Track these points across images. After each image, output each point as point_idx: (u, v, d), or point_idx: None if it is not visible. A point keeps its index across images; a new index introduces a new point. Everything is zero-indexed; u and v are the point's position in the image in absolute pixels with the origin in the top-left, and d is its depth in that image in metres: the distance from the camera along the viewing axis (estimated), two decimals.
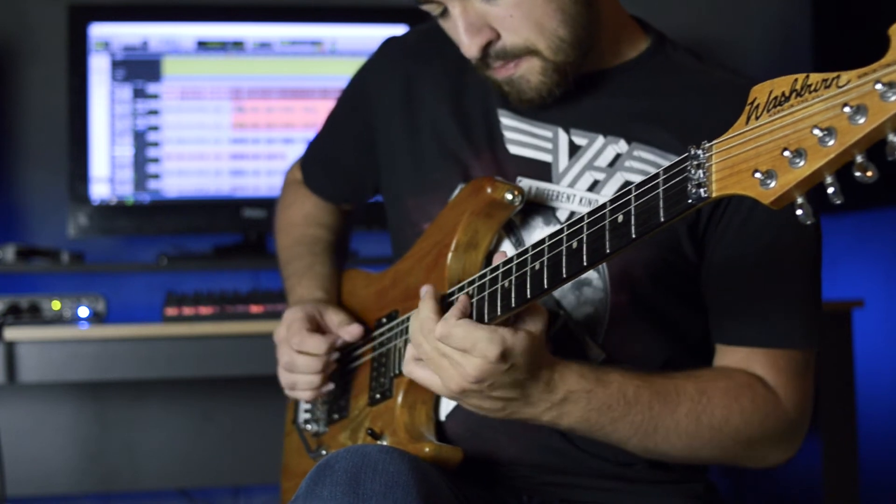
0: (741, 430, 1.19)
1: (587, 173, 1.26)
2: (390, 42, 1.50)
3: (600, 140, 1.27)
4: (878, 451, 2.59)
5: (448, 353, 1.06)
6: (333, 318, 1.39)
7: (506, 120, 1.32)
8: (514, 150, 1.31)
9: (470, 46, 1.19)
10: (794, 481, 2.39)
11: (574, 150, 1.28)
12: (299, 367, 1.35)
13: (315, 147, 1.63)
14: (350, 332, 1.37)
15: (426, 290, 1.13)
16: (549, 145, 1.29)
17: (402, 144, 1.41)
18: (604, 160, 1.25)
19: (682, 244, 1.23)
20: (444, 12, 1.22)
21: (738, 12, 2.93)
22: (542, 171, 1.28)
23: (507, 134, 1.32)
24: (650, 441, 1.17)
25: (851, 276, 2.75)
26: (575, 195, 1.25)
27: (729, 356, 1.25)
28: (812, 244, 1.26)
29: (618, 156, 1.25)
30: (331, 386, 1.38)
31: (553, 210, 1.26)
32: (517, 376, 1.07)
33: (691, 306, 1.27)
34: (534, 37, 1.18)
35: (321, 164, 1.61)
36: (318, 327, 1.38)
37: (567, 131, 1.29)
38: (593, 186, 1.25)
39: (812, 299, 1.26)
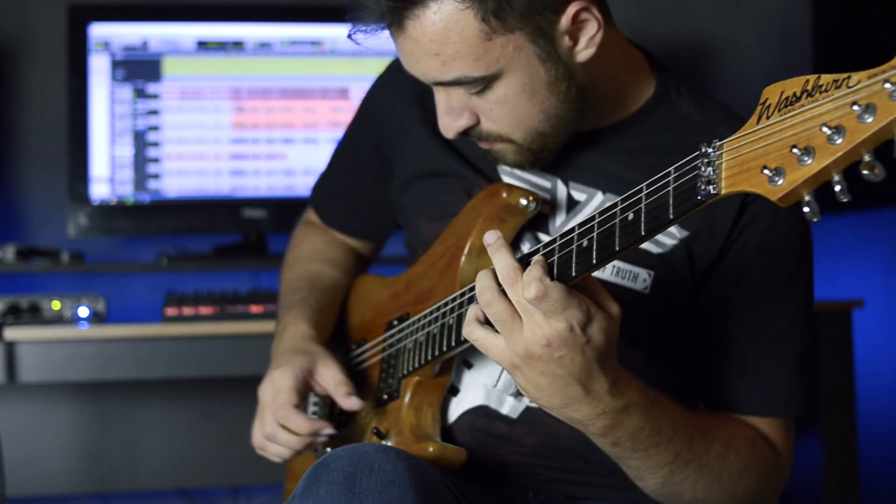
0: (753, 481, 1.19)
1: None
2: (398, 63, 1.45)
3: (599, 196, 1.26)
4: (878, 451, 2.59)
5: (529, 312, 0.97)
6: (327, 376, 1.32)
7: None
8: None
9: (447, 129, 1.18)
10: (794, 481, 2.39)
11: (572, 204, 1.27)
12: (280, 440, 1.32)
13: (326, 182, 1.58)
14: (350, 404, 1.30)
15: (495, 237, 1.02)
16: (546, 196, 1.27)
17: (412, 160, 1.40)
18: None
19: (679, 295, 1.22)
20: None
21: (738, 12, 2.93)
22: (539, 221, 1.27)
23: (506, 178, 1.31)
24: (678, 476, 1.12)
25: (851, 276, 2.75)
26: None
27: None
28: (805, 307, 1.25)
29: None
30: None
31: None
32: (588, 357, 0.98)
33: (684, 343, 1.27)
34: (510, 130, 1.18)
35: (338, 198, 1.57)
36: (306, 388, 1.32)
37: (566, 184, 1.27)
38: None
39: (804, 360, 1.25)
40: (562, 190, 1.27)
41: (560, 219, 1.27)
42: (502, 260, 0.99)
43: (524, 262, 1.01)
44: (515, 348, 0.99)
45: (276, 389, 1.31)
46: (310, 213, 1.66)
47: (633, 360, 1.17)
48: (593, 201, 1.26)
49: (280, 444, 1.32)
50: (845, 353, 2.27)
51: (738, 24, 2.92)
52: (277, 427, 1.31)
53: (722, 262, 1.21)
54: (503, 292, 0.99)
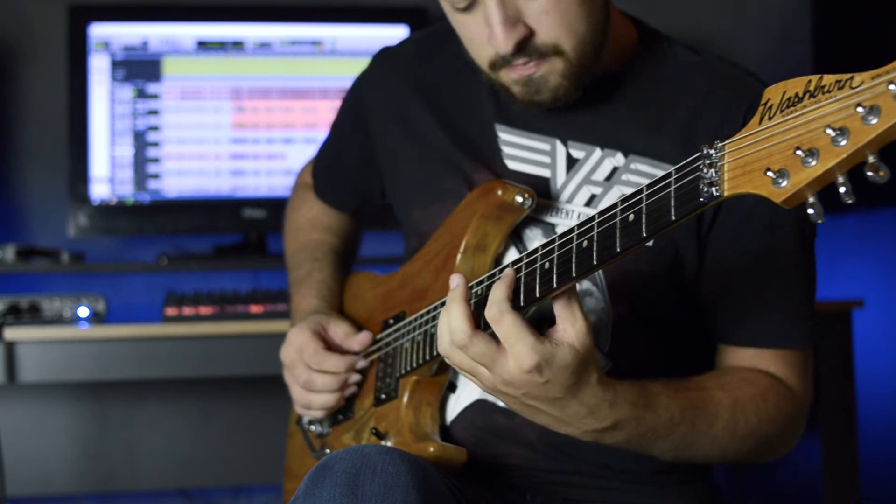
0: (769, 433, 1.21)
1: (584, 188, 1.25)
2: (384, 53, 1.49)
3: (597, 153, 1.26)
4: (878, 451, 2.59)
5: (487, 365, 1.02)
6: (337, 329, 1.38)
7: (504, 135, 1.31)
8: (512, 165, 1.30)
9: (506, 41, 1.14)
10: (794, 480, 2.39)
11: (572, 163, 1.27)
12: (318, 386, 1.35)
13: (322, 154, 1.62)
14: (358, 341, 1.36)
15: (457, 286, 1.05)
16: (546, 159, 1.28)
17: (402, 157, 1.41)
18: (601, 174, 1.25)
19: (680, 250, 1.23)
20: (471, 6, 1.17)
21: (738, 12, 2.93)
22: (541, 186, 1.27)
23: (505, 149, 1.31)
24: (684, 454, 1.16)
25: (851, 276, 2.75)
26: (573, 210, 1.25)
27: (736, 356, 1.26)
28: (810, 237, 1.26)
29: (615, 169, 1.24)
30: (343, 403, 1.38)
31: (552, 226, 1.26)
32: (554, 394, 1.02)
33: (691, 309, 1.28)
34: (564, 36, 1.16)
35: (326, 173, 1.60)
36: (326, 344, 1.37)
37: (565, 144, 1.28)
38: (590, 201, 1.24)
39: (811, 295, 1.27)
40: (561, 150, 1.28)
41: (561, 179, 1.27)
42: (454, 319, 1.03)
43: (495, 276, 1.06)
44: (485, 385, 1.05)
45: (298, 345, 1.36)
46: (305, 173, 1.69)
47: (636, 323, 1.18)
48: (592, 158, 1.26)
49: (319, 390, 1.35)
50: (845, 353, 2.27)
51: (738, 23, 2.92)
52: (312, 373, 1.34)
53: (723, 206, 1.21)
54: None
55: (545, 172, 1.28)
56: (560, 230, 1.19)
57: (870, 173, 0.74)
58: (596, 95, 1.26)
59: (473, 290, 1.13)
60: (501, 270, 1.08)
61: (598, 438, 1.08)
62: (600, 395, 1.04)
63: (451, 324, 1.03)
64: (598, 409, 1.04)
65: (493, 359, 1.01)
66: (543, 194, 1.27)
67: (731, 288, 1.25)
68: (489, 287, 1.09)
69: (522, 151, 1.30)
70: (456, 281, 1.05)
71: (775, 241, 1.23)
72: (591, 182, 1.25)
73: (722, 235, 1.22)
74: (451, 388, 1.29)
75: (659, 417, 1.10)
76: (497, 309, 1.00)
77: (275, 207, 2.48)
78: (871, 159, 0.75)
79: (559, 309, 1.02)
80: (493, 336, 1.02)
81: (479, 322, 1.04)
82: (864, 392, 2.48)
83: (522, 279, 1.04)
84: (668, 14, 2.85)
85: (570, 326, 1.01)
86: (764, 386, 1.22)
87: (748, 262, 1.23)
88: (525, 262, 1.05)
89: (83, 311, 2.13)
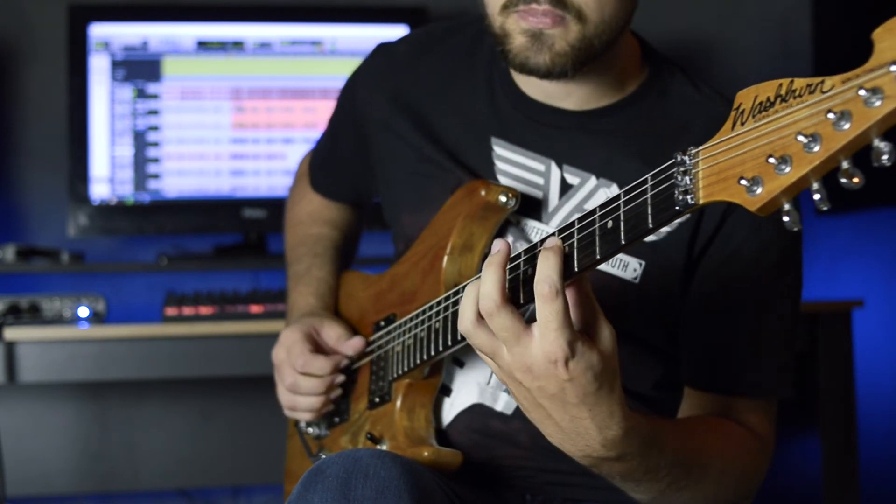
0: (750, 483, 1.20)
1: (577, 215, 1.24)
2: (380, 51, 1.47)
3: (592, 181, 1.25)
4: (878, 451, 2.59)
5: (510, 342, 0.93)
6: (331, 333, 1.37)
7: (499, 149, 1.30)
8: (504, 181, 1.28)
9: None
10: (794, 481, 2.39)
11: (566, 188, 1.26)
12: (303, 388, 1.34)
13: (318, 148, 1.62)
14: (352, 346, 1.35)
15: (499, 251, 0.96)
16: (540, 180, 1.27)
17: (393, 164, 1.40)
18: (594, 203, 1.22)
19: (666, 287, 1.21)
20: None
21: (738, 12, 2.93)
22: (533, 207, 1.26)
23: (499, 164, 1.30)
24: (669, 497, 1.08)
25: (851, 276, 2.75)
26: None
27: (706, 400, 1.23)
28: (795, 286, 1.25)
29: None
30: (331, 407, 1.37)
31: None
32: (571, 398, 0.93)
33: (673, 333, 1.26)
34: (592, 4, 1.14)
35: (323, 165, 1.60)
36: (317, 346, 1.36)
37: (560, 167, 1.26)
38: None
39: (793, 343, 1.25)
40: (555, 173, 1.27)
41: (553, 203, 1.26)
42: (487, 283, 0.94)
43: (536, 248, 0.97)
44: (501, 369, 0.97)
45: (288, 346, 1.35)
46: (305, 163, 1.68)
47: (621, 354, 1.16)
48: (587, 185, 1.25)
49: (305, 393, 1.34)
50: (845, 353, 2.27)
51: (738, 24, 2.92)
52: (298, 376, 1.34)
53: (715, 240, 1.20)
54: (482, 321, 0.95)
55: (537, 193, 1.26)
56: None
57: (844, 180, 0.73)
58: (596, 123, 1.25)
59: (455, 292, 1.13)
60: (529, 252, 1.01)
61: (596, 465, 1.00)
62: (617, 423, 0.95)
63: (483, 288, 0.93)
64: (609, 436, 0.96)
65: (518, 336, 0.92)
66: (535, 216, 1.26)
67: (711, 328, 1.22)
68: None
69: (516, 168, 1.28)
70: (499, 246, 0.97)
71: (760, 281, 1.21)
72: (583, 210, 1.22)
73: (705, 273, 1.21)
74: (446, 391, 1.29)
75: (662, 457, 1.03)
76: (551, 288, 0.90)
77: (275, 207, 2.48)
78: (844, 165, 0.73)
79: (589, 315, 0.95)
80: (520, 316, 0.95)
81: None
82: (864, 392, 2.48)
83: (508, 284, 0.98)
84: (669, 14, 2.85)
85: (600, 332, 0.95)
86: (749, 438, 1.20)
87: (728, 301, 1.21)
88: (509, 266, 1.00)
89: (83, 311, 2.13)
